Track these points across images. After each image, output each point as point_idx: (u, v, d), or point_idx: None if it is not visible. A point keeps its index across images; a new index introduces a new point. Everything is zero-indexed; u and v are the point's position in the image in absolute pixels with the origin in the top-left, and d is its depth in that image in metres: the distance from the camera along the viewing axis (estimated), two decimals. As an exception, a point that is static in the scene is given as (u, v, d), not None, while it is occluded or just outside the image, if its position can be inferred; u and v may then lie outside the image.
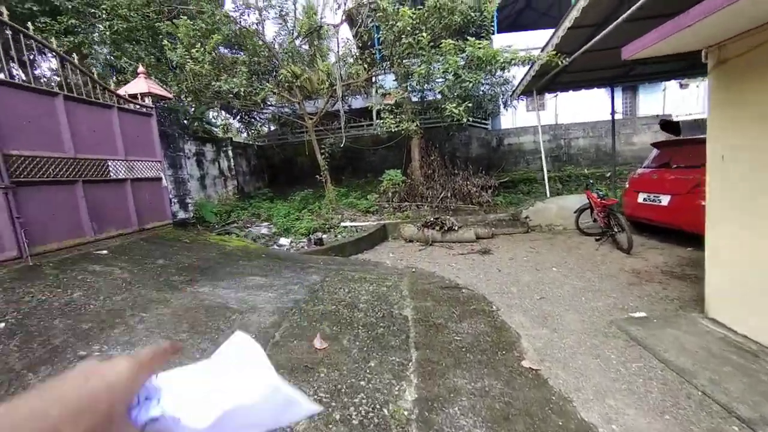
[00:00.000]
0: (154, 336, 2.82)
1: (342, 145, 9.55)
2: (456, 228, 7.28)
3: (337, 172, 12.97)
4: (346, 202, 9.96)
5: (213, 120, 12.29)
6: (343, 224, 8.65)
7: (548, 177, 12.56)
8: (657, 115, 12.41)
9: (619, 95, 15.55)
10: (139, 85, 5.48)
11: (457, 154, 12.60)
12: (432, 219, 7.47)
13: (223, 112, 12.32)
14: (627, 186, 6.72)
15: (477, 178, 10.84)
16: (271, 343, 2.85)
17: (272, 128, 14.36)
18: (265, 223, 8.86)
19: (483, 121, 12.96)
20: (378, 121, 7.49)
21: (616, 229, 6.02)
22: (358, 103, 14.09)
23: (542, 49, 5.83)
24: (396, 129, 7.10)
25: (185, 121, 10.83)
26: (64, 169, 3.96)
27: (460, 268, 5.79)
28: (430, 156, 11.54)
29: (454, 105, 5.78)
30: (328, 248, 6.25)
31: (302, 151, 12.78)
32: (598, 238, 6.65)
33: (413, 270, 5.47)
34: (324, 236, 8.35)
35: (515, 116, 13.19)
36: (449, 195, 9.85)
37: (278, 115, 10.38)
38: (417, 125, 7.10)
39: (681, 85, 14.45)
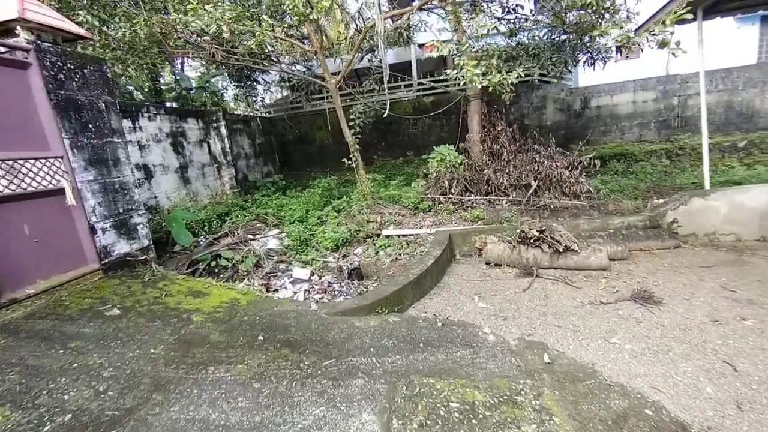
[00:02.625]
0: None
1: (384, 114, 6.70)
2: (577, 248, 4.44)
3: (367, 150, 10.15)
4: (386, 195, 7.20)
5: (220, 90, 9.52)
6: (385, 233, 5.95)
7: (650, 150, 9.34)
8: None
9: (753, 28, 11.62)
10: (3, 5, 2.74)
11: (526, 121, 9.49)
12: (536, 231, 4.64)
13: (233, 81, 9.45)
14: None
15: (561, 156, 7.82)
16: None
17: (282, 94, 11.50)
18: (275, 232, 6.26)
19: (562, 76, 9.65)
20: (445, 75, 4.58)
21: None
22: (390, 57, 10.96)
23: None
24: (484, 84, 4.22)
25: (191, 92, 8.18)
26: None
27: (633, 350, 3.03)
28: (495, 126, 8.51)
29: (603, 27, 2.79)
30: (375, 302, 3.57)
31: (321, 123, 9.95)
32: None
33: (547, 359, 2.75)
34: (359, 251, 5.71)
35: (593, 71, 9.76)
36: (533, 182, 6.92)
37: (288, 75, 7.55)
38: (519, 75, 4.18)
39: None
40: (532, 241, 4.67)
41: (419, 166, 9.34)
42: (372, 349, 2.84)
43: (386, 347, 2.89)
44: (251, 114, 7.67)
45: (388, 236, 5.90)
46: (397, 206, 6.97)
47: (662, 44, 3.25)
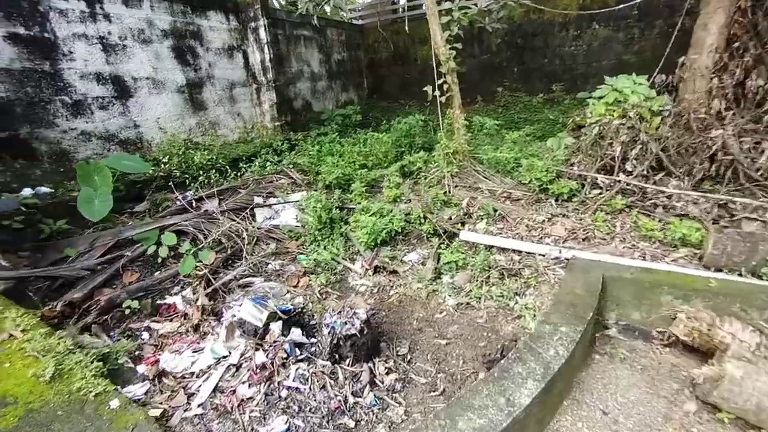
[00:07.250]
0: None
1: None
2: None
3: (488, 77, 6.77)
4: (491, 159, 4.14)
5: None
6: (466, 235, 3.14)
7: None
8: None
9: None
10: None
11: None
12: None
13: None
14: None
15: None
16: None
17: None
18: (299, 196, 4.05)
19: None
20: None
21: None
22: None
23: None
24: None
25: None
26: None
27: None
28: (758, 43, 4.18)
29: None
30: None
31: (425, 34, 6.83)
32: None
33: None
34: (411, 260, 3.11)
35: None
36: None
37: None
38: None
39: None
40: None
41: (570, 111, 5.65)
42: None
43: None
44: (330, 18, 5.14)
45: (470, 243, 3.09)
46: (508, 181, 3.90)
47: None
